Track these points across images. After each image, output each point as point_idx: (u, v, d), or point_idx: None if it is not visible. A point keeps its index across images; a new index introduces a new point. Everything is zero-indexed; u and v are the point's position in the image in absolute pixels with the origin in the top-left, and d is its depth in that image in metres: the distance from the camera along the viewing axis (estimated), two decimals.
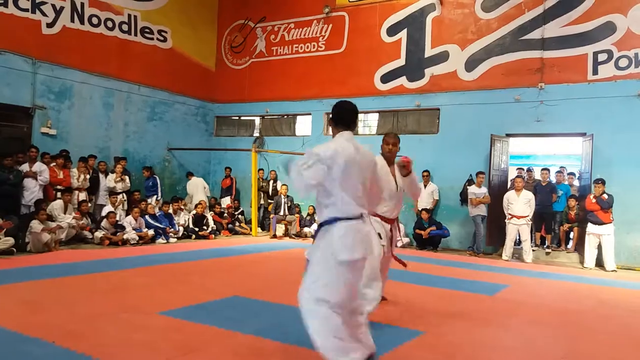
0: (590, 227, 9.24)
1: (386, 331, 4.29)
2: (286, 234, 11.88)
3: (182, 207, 11.44)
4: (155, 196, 11.58)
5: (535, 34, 10.75)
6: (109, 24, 12.09)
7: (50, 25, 10.87)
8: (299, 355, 3.55)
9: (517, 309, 5.50)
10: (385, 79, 12.45)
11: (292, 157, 3.19)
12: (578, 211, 9.87)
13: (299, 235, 12.04)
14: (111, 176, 10.67)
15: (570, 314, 5.38)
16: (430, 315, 5.00)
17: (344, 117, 3.31)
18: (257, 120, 14.74)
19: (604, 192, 9.15)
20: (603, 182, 9.20)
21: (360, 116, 13.12)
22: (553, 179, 10.83)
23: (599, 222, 9.11)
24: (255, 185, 12.44)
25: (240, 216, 12.99)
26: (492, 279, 7.46)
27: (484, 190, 10.30)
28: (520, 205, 9.69)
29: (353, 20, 13.04)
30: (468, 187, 10.80)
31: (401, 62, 12.29)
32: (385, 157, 4.56)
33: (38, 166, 9.13)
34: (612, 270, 8.89)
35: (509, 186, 10.88)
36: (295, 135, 13.90)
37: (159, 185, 11.90)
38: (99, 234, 9.21)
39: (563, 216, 10.18)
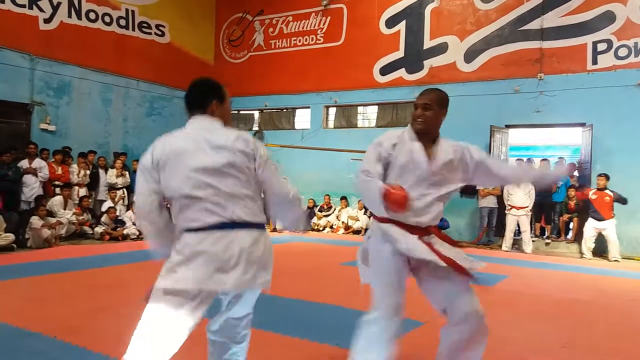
0: (591, 221, 9.22)
1: None
2: None
3: None
4: None
5: (534, 24, 10.71)
6: (107, 19, 12.05)
7: (47, 20, 10.84)
8: (296, 346, 3.57)
9: (516, 300, 5.52)
10: (384, 71, 12.42)
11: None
12: (577, 201, 9.87)
13: None
14: (112, 171, 10.67)
15: (569, 303, 5.39)
16: (431, 306, 5.01)
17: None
18: (256, 114, 14.72)
19: (606, 187, 9.13)
20: (606, 177, 9.19)
21: (360, 109, 13.11)
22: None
23: (600, 218, 9.08)
24: None
25: None
26: (492, 269, 7.45)
27: None
28: (520, 196, 9.70)
29: (351, 12, 12.99)
30: None
31: (400, 54, 12.25)
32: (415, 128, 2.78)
33: (37, 162, 9.14)
34: (615, 260, 8.90)
35: None
36: (295, 128, 13.88)
37: None
38: (99, 229, 9.23)
39: (563, 206, 10.18)
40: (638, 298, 5.84)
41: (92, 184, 10.36)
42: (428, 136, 2.78)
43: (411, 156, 2.66)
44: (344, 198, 12.31)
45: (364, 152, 10.75)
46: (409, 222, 2.61)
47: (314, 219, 12.39)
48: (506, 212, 9.90)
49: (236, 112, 15.03)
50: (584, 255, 9.25)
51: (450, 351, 2.74)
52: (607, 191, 9.12)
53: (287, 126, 14.06)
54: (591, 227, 9.20)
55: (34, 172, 9.01)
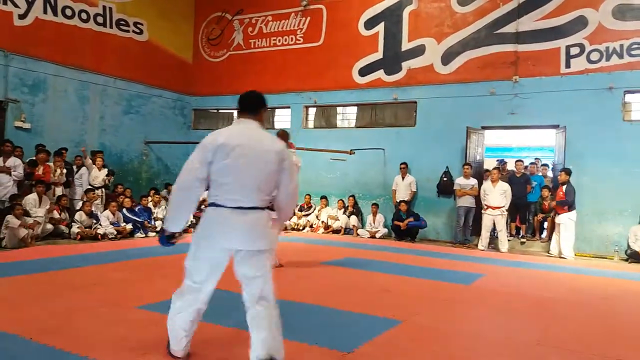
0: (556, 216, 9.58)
1: (364, 321, 4.37)
2: None
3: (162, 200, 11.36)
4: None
5: (509, 28, 10.91)
6: (84, 15, 11.88)
7: (22, 16, 10.63)
8: None
9: (492, 298, 5.64)
10: (363, 72, 12.52)
11: None
12: (551, 201, 10.10)
13: None
14: (97, 172, 10.50)
15: (544, 301, 5.53)
16: (408, 304, 5.09)
17: (241, 103, 3.14)
18: (235, 113, 14.62)
19: (568, 182, 9.38)
20: (567, 172, 9.45)
21: (339, 109, 13.19)
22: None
23: (557, 212, 9.48)
24: None
25: None
26: (469, 268, 7.61)
27: (472, 182, 10.44)
28: (495, 196, 9.87)
29: (331, 13, 13.04)
30: (447, 179, 10.99)
31: (379, 55, 12.36)
32: None
33: (12, 161, 8.95)
34: (562, 257, 9.24)
35: (483, 178, 11.06)
36: (274, 128, 13.86)
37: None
38: (75, 229, 9.10)
39: (537, 206, 10.40)
40: (609, 296, 6.02)
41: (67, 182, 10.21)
42: None
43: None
44: (323, 198, 12.36)
45: (343, 152, 11.27)
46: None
47: (294, 219, 12.41)
48: (483, 212, 10.07)
49: (215, 110, 14.97)
50: (550, 253, 9.53)
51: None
52: (564, 187, 9.38)
53: (266, 126, 14.00)
54: (556, 221, 9.51)
55: (7, 170, 8.82)
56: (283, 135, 5.73)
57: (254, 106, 3.13)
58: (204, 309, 3.13)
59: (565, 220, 9.29)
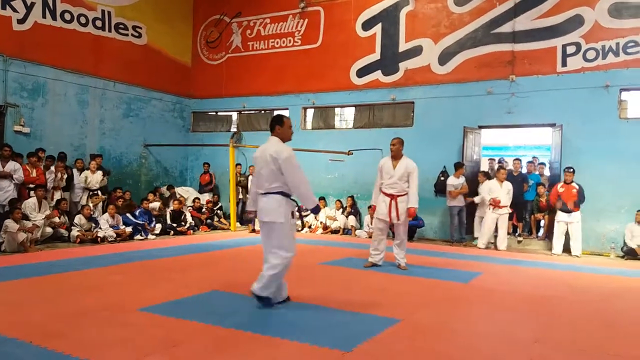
0: (560, 215, 9.50)
1: (363, 319, 4.41)
2: None
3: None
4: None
5: (506, 27, 10.96)
6: (82, 19, 11.93)
7: (21, 21, 10.68)
8: (280, 347, 3.63)
9: (490, 296, 5.68)
10: (361, 73, 12.56)
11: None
12: (548, 198, 10.12)
13: None
14: (86, 173, 10.52)
15: (541, 299, 5.55)
16: (407, 303, 5.14)
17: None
18: (235, 115, 14.72)
19: (572, 181, 9.40)
20: (573, 170, 9.46)
21: (337, 110, 13.24)
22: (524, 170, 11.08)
23: (568, 211, 9.38)
24: (234, 181, 12.46)
25: (219, 211, 12.99)
26: (466, 267, 7.65)
27: (461, 180, 10.48)
28: (502, 195, 9.85)
29: (328, 15, 13.09)
30: (445, 178, 11.02)
31: (376, 56, 12.41)
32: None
33: (12, 165, 9.00)
34: (576, 255, 9.23)
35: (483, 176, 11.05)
36: None
37: None
38: (74, 232, 9.13)
39: (534, 205, 10.42)
40: (606, 293, 6.05)
41: (67, 186, 10.25)
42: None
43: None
44: (322, 198, 12.38)
45: (341, 152, 11.55)
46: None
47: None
48: (487, 210, 9.99)
49: (214, 113, 15.02)
50: (553, 252, 9.49)
51: None
52: (574, 184, 9.40)
53: (265, 127, 14.01)
54: (560, 220, 9.48)
55: (8, 175, 8.87)
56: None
57: (270, 126, 4.82)
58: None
59: (578, 218, 9.33)
